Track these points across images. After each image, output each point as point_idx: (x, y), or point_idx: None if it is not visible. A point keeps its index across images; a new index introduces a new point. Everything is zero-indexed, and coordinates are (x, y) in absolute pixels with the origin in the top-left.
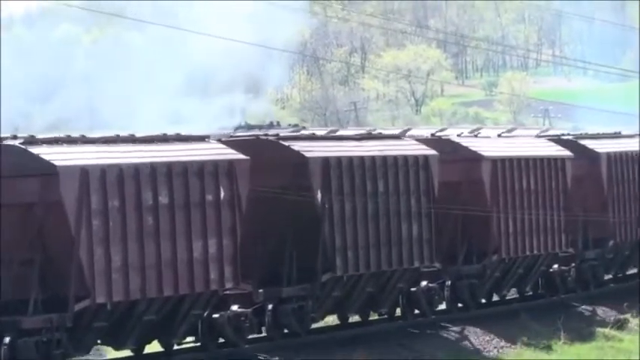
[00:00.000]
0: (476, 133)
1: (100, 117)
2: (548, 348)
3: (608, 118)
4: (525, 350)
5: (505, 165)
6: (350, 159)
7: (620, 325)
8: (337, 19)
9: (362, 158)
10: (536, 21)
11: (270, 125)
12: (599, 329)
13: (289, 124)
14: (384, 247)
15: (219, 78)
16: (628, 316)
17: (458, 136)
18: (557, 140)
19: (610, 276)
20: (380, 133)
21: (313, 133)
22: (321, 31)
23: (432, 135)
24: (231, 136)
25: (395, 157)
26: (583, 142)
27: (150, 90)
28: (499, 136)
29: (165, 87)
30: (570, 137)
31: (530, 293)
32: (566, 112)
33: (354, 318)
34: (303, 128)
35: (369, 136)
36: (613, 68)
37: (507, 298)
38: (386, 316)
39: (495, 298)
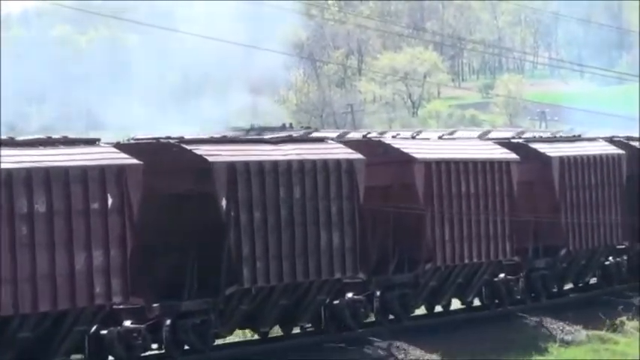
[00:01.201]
0: (414, 134)
1: (96, 118)
2: None
3: (605, 121)
4: None
5: (440, 168)
6: (260, 163)
7: (616, 328)
8: (334, 22)
9: (275, 162)
10: (533, 23)
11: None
12: (595, 332)
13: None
14: (299, 258)
15: (217, 79)
16: (624, 318)
17: (393, 137)
18: (506, 143)
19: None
20: (303, 137)
21: (224, 136)
22: (318, 33)
23: (364, 137)
24: (133, 139)
25: (313, 162)
26: (534, 145)
27: (146, 91)
28: (440, 138)
29: (161, 88)
30: (521, 140)
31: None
32: (562, 114)
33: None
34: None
35: (288, 139)
36: (609, 71)
37: (452, 309)
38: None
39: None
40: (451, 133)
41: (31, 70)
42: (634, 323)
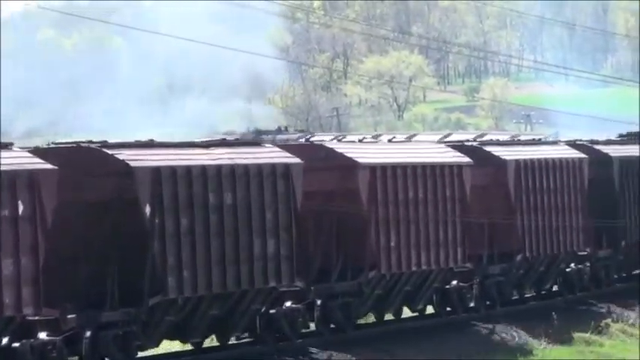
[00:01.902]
0: (362, 138)
1: (81, 121)
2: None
3: (590, 124)
4: None
5: (386, 173)
6: (187, 168)
7: (601, 330)
8: (319, 25)
9: (204, 167)
10: (518, 27)
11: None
12: (580, 334)
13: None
14: (230, 266)
15: (202, 82)
16: (609, 320)
17: (339, 141)
18: (460, 147)
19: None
20: (237, 140)
21: (152, 140)
22: (304, 36)
23: (306, 140)
24: (53, 144)
25: (246, 166)
26: (489, 148)
27: (131, 93)
28: (389, 141)
29: (145, 91)
30: (475, 144)
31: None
32: (547, 117)
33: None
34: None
35: (221, 143)
36: (594, 74)
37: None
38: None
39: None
40: (410, 137)
41: (17, 74)
42: (619, 325)
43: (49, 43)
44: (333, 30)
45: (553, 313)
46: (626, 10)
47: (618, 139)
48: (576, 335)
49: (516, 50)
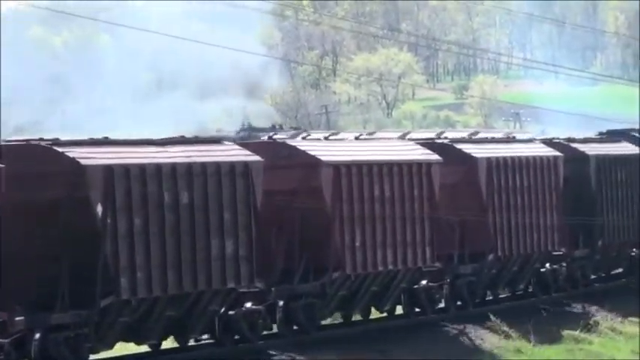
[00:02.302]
0: (328, 135)
1: (70, 119)
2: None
3: (578, 122)
4: None
5: (351, 171)
6: (141, 167)
7: (590, 328)
8: (308, 23)
9: (158, 166)
10: (507, 24)
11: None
12: (569, 332)
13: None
14: (186, 267)
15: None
16: (598, 318)
17: (303, 139)
18: (429, 144)
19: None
20: (196, 137)
21: (106, 137)
22: (293, 34)
23: (269, 138)
24: (4, 141)
25: (203, 164)
26: (460, 146)
27: (120, 91)
28: (356, 139)
29: (135, 88)
30: (446, 141)
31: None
32: (536, 115)
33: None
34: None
35: (179, 141)
36: (584, 72)
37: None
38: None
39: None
40: (370, 134)
41: (7, 71)
42: (608, 323)
43: (38, 41)
44: (322, 27)
45: (542, 311)
46: (615, 7)
47: (597, 137)
48: (565, 333)
49: (505, 48)
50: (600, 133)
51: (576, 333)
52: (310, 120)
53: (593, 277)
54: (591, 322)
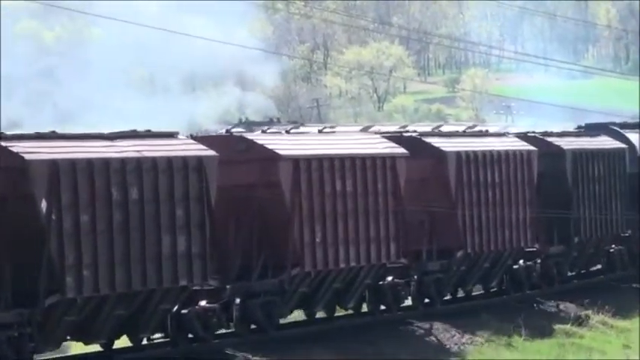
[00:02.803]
0: (290, 129)
1: (64, 113)
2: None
3: (570, 115)
4: None
5: (311, 165)
6: (89, 161)
7: (581, 322)
8: (299, 16)
9: (106, 161)
10: (499, 17)
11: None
12: (560, 326)
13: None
14: (136, 264)
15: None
16: (589, 312)
17: (263, 132)
18: (396, 137)
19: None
20: (149, 131)
21: (53, 131)
22: (284, 27)
23: (227, 131)
24: None
25: (154, 159)
26: (428, 139)
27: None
28: (320, 132)
29: (127, 82)
30: (415, 134)
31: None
32: (528, 108)
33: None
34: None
35: (129, 135)
36: (575, 65)
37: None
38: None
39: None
40: (332, 127)
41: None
42: (599, 317)
43: (29, 35)
44: (313, 21)
45: (534, 305)
46: (607, 0)
47: (575, 130)
48: (557, 327)
49: (497, 41)
50: (579, 127)
51: (567, 327)
52: (301, 113)
53: (571, 273)
54: (583, 315)
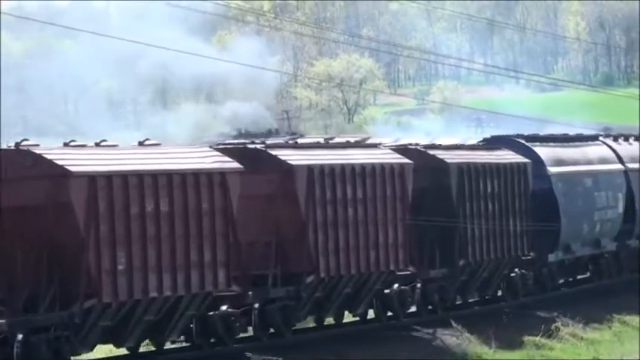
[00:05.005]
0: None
1: (34, 125)
2: None
3: (537, 127)
4: None
5: (112, 182)
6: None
7: (551, 333)
8: (269, 28)
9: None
10: (468, 30)
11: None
12: (529, 338)
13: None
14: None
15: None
16: (559, 324)
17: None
18: (235, 149)
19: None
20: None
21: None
22: (255, 40)
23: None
24: None
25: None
26: (274, 152)
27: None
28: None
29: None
30: (260, 146)
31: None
32: (498, 121)
33: None
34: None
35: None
36: (545, 77)
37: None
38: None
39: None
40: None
41: None
42: (569, 329)
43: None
44: (283, 33)
45: (504, 316)
46: (576, 13)
47: (472, 144)
48: (526, 339)
49: (467, 53)
50: (484, 139)
51: (537, 339)
52: (272, 125)
53: (466, 300)
54: (552, 327)
